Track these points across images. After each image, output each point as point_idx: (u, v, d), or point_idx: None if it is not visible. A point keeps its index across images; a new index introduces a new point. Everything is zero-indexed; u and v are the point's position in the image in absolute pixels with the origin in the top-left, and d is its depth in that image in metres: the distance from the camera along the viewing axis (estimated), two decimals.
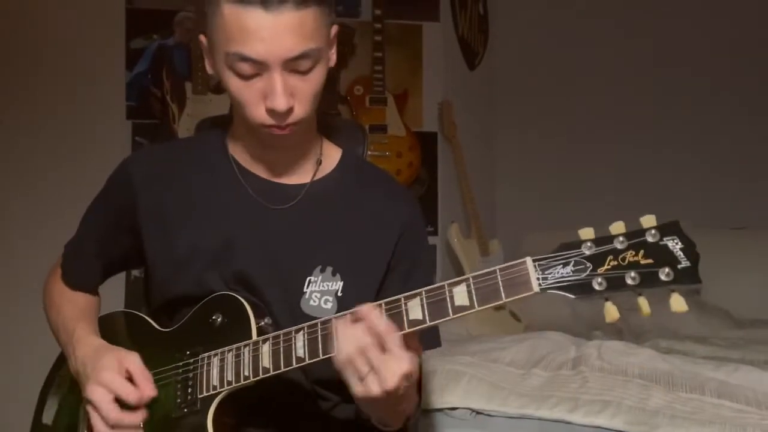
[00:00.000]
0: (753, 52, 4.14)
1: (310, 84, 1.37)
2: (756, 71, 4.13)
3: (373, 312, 1.20)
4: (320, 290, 1.45)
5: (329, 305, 1.44)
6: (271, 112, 1.34)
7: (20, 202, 3.40)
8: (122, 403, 1.38)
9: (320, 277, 1.45)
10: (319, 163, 1.53)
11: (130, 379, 1.40)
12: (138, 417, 1.38)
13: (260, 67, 1.32)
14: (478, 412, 1.91)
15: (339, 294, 1.45)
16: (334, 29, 1.42)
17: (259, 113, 1.36)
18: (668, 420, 1.75)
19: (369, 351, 1.19)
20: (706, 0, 4.19)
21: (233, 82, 1.35)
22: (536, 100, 4.41)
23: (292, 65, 1.33)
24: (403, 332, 1.20)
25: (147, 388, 1.39)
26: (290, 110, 1.35)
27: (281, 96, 1.32)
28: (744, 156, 4.13)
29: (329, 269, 1.46)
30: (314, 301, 1.44)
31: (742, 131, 4.13)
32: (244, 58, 1.31)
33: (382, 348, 1.19)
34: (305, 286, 1.45)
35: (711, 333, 3.08)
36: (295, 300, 1.44)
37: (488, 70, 4.39)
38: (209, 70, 1.43)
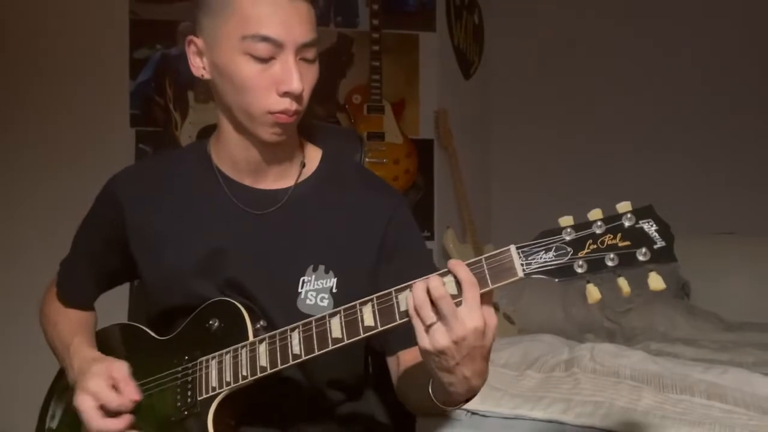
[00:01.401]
0: (744, 60, 4.16)
1: (313, 74, 1.40)
2: (746, 79, 4.14)
3: (461, 264, 1.19)
4: (315, 289, 1.44)
5: (325, 302, 1.44)
6: (284, 95, 1.35)
7: (26, 207, 3.41)
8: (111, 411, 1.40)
9: (313, 276, 1.45)
10: (302, 165, 1.53)
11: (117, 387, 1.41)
12: (120, 423, 1.39)
13: (276, 50, 1.34)
14: (473, 413, 1.90)
15: (334, 290, 1.45)
16: None
17: (269, 100, 1.36)
18: (659, 420, 1.75)
19: (441, 300, 1.16)
20: (694, 11, 4.20)
21: (247, 69, 1.35)
22: (530, 108, 4.42)
23: (303, 52, 1.36)
24: (487, 289, 1.18)
25: (129, 394, 1.40)
26: (301, 96, 1.37)
27: (297, 78, 1.34)
28: (733, 164, 4.15)
29: (321, 267, 1.45)
30: (311, 300, 1.44)
31: (732, 139, 4.15)
32: (264, 38, 1.32)
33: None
34: (300, 287, 1.44)
35: (701, 336, 3.08)
36: (291, 301, 1.44)
37: (483, 78, 4.40)
38: (198, 71, 1.44)
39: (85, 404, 1.39)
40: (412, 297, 1.18)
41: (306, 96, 1.39)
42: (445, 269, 1.21)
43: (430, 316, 1.17)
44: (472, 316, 1.16)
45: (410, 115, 3.80)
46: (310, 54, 1.37)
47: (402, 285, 1.23)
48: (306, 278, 1.45)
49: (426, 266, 1.47)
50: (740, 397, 1.82)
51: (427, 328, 1.18)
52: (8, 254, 3.41)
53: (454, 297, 1.18)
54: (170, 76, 3.48)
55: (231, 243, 1.46)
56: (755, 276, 3.65)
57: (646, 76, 4.25)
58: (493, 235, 4.25)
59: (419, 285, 1.19)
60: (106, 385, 1.39)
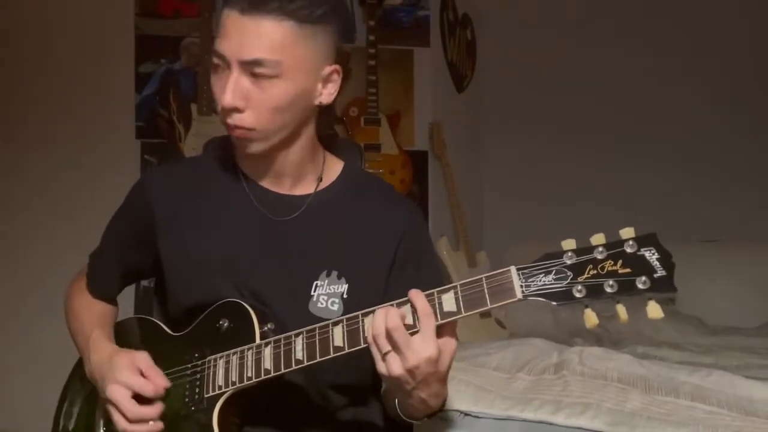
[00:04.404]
0: (726, 72, 4.18)
1: (266, 96, 1.36)
2: (728, 89, 4.16)
3: (418, 294, 1.22)
4: (327, 293, 1.46)
5: (336, 307, 1.45)
6: (222, 107, 1.37)
7: (38, 214, 3.42)
8: (141, 400, 1.40)
9: (326, 281, 1.46)
10: (319, 179, 1.54)
11: (143, 376, 1.42)
12: (156, 409, 1.40)
13: (225, 63, 1.35)
14: (466, 414, 1.90)
15: (345, 296, 1.46)
16: (328, 69, 1.42)
17: (220, 110, 1.39)
18: (645, 421, 1.75)
19: (395, 332, 1.19)
20: (677, 23, 4.22)
21: (212, 76, 1.40)
22: (521, 119, 4.43)
23: (249, 68, 1.34)
24: (439, 323, 1.21)
25: (160, 381, 1.41)
26: (236, 110, 1.36)
27: (228, 91, 1.34)
28: (716, 174, 4.16)
29: (335, 273, 1.46)
30: (322, 304, 1.45)
31: (715, 149, 4.16)
32: (214, 52, 1.36)
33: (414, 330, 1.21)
34: (313, 290, 1.46)
35: (685, 340, 3.08)
36: (303, 303, 1.45)
37: (476, 92, 4.41)
38: None
39: (119, 394, 1.39)
40: (371, 325, 1.21)
41: (252, 116, 1.37)
42: (406, 298, 1.24)
43: (385, 345, 1.21)
44: (425, 346, 1.20)
45: (405, 127, 3.80)
46: (262, 70, 1.34)
47: (402, 299, 1.25)
48: (319, 282, 1.46)
49: (435, 280, 1.49)
50: (724, 398, 1.82)
51: (383, 356, 1.21)
52: (16, 260, 3.41)
53: (409, 327, 1.21)
54: (174, 90, 3.48)
55: (249, 245, 1.48)
56: (737, 282, 3.66)
57: (633, 88, 4.27)
58: (485, 243, 4.26)
59: (379, 313, 1.21)
60: (136, 375, 1.40)
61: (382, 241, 1.51)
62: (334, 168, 1.58)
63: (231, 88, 1.34)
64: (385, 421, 1.58)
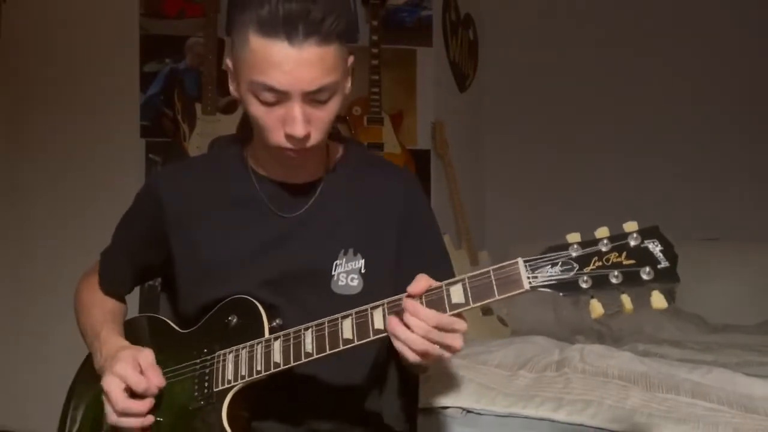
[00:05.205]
0: (726, 69, 4.17)
1: (327, 113, 1.39)
2: (730, 86, 4.16)
3: (419, 307, 1.23)
4: (346, 270, 1.49)
5: (355, 282, 1.48)
6: (289, 137, 1.36)
7: (43, 212, 3.43)
8: (134, 395, 1.41)
9: (344, 260, 1.49)
10: (326, 167, 1.56)
11: (143, 373, 1.43)
12: (144, 405, 1.41)
13: (282, 96, 1.34)
14: (468, 411, 1.91)
15: (362, 271, 1.49)
16: (350, 60, 1.44)
17: (277, 137, 1.38)
18: (645, 418, 1.76)
19: (433, 335, 1.22)
20: (678, 22, 4.22)
21: (255, 108, 1.37)
22: (522, 119, 4.43)
23: (312, 96, 1.35)
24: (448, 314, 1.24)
25: (155, 380, 1.42)
26: (307, 136, 1.37)
27: (300, 124, 1.34)
28: (718, 172, 4.16)
29: (351, 250, 1.49)
30: (342, 281, 1.48)
31: (717, 147, 4.16)
32: (268, 88, 1.33)
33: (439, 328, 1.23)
34: (333, 270, 1.49)
35: (686, 337, 3.09)
36: (325, 284, 1.48)
37: (477, 91, 4.41)
38: (233, 92, 1.45)
39: (112, 385, 1.40)
40: (415, 345, 1.22)
41: (316, 134, 1.39)
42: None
43: (436, 351, 1.24)
44: (460, 329, 1.25)
45: (408, 127, 3.80)
46: (322, 97, 1.36)
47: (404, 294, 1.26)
48: (338, 262, 1.49)
49: (436, 244, 1.59)
50: (724, 395, 1.83)
51: (444, 348, 1.24)
52: (22, 260, 3.42)
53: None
54: (179, 89, 3.49)
55: (265, 241, 1.50)
56: (737, 280, 3.66)
57: (634, 88, 4.27)
58: (486, 242, 4.26)
59: (417, 321, 1.23)
60: (133, 370, 1.41)
61: (386, 211, 1.54)
62: (337, 151, 1.61)
63: (302, 120, 1.34)
64: (393, 415, 1.59)
